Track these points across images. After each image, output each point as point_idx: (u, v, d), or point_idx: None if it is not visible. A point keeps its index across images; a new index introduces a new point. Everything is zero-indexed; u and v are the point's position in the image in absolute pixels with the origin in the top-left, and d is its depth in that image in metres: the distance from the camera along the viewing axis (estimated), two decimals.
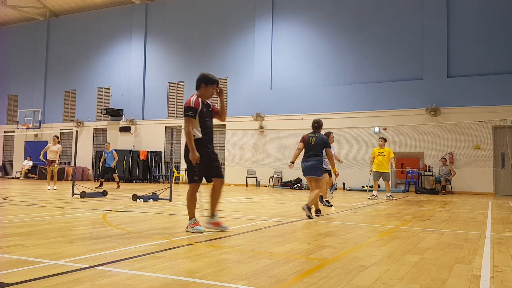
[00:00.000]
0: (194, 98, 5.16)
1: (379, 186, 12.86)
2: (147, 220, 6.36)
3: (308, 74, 20.12)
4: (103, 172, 15.56)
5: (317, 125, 7.68)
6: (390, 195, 12.37)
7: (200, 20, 22.93)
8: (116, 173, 15.62)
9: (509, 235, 5.58)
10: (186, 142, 5.12)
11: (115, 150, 16.71)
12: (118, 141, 24.01)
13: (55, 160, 14.22)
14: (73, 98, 26.39)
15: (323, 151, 7.41)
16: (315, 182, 7.21)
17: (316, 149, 7.31)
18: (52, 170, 14.24)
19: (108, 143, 16.03)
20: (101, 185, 14.87)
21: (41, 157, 14.52)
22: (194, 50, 22.86)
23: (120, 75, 24.73)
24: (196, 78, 5.32)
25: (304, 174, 7.21)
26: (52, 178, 14.26)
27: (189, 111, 5.08)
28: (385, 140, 12.57)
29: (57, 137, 14.42)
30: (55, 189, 13.94)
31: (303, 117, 19.70)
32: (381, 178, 12.46)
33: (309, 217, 6.84)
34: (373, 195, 12.43)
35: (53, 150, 14.24)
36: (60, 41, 27.10)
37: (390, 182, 12.77)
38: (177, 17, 23.60)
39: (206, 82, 5.26)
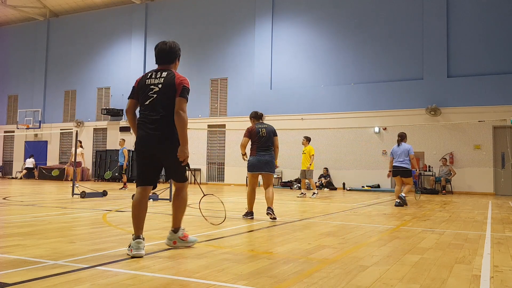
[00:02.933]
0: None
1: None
2: (147, 220, 6.31)
3: (308, 74, 20.12)
4: (119, 172, 15.56)
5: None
6: (308, 193, 12.99)
7: (200, 20, 22.93)
8: (123, 173, 15.40)
9: (509, 235, 5.58)
10: (165, 131, 3.87)
11: (116, 150, 16.65)
12: (118, 141, 23.99)
13: (80, 162, 15.62)
14: (73, 98, 26.38)
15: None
16: None
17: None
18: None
19: (122, 139, 15.97)
20: (124, 185, 15.16)
21: (69, 164, 16.16)
22: (194, 50, 22.86)
23: (120, 75, 24.72)
24: (174, 49, 4.24)
25: None
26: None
27: (188, 94, 3.93)
28: (307, 139, 12.99)
29: (80, 142, 16.05)
30: (77, 186, 15.11)
31: (303, 117, 19.71)
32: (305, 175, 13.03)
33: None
34: (302, 193, 12.88)
35: (77, 154, 15.76)
36: (60, 41, 27.10)
37: (312, 179, 13.29)
38: (177, 17, 23.60)
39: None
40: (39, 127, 26.29)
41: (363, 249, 4.30)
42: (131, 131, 23.73)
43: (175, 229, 4.03)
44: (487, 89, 16.71)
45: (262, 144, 6.75)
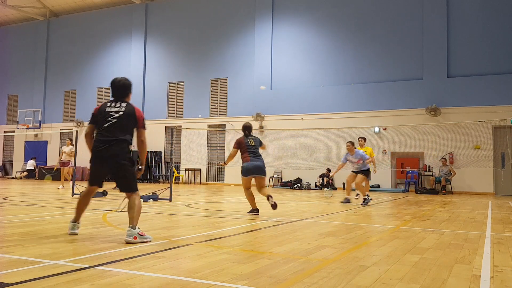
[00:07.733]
0: None
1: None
2: (147, 220, 6.36)
3: (308, 74, 20.12)
4: None
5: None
6: (358, 195, 11.90)
7: (200, 20, 22.93)
8: None
9: (509, 235, 5.58)
10: (120, 151, 4.64)
11: None
12: None
13: (69, 161, 14.73)
14: (73, 98, 26.39)
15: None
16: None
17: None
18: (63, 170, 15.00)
19: None
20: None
21: (58, 160, 15.34)
22: (194, 50, 22.86)
23: (120, 75, 24.55)
24: (127, 85, 5.02)
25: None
26: (66, 179, 15.10)
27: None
28: (364, 140, 12.37)
29: (70, 140, 15.15)
30: (62, 188, 14.52)
31: (303, 117, 19.71)
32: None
33: None
34: (358, 194, 11.91)
35: (65, 152, 14.96)
36: (60, 41, 27.10)
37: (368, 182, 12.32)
38: (177, 17, 23.61)
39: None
40: (39, 127, 26.29)
41: (363, 249, 4.30)
42: None
43: (132, 226, 4.47)
44: (487, 89, 16.71)
45: (253, 151, 7.58)
